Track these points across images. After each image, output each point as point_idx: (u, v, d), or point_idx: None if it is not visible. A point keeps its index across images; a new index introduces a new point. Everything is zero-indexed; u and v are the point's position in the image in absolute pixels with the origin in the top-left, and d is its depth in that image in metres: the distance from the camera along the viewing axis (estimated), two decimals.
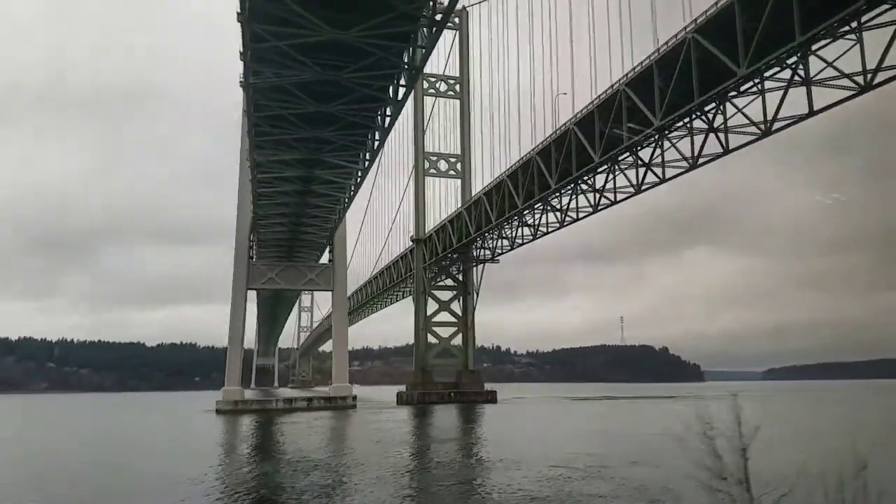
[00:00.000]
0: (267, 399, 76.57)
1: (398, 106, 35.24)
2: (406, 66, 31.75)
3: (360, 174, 46.60)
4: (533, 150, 54.16)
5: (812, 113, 32.11)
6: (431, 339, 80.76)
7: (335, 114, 35.79)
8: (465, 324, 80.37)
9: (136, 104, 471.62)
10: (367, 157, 43.09)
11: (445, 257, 77.99)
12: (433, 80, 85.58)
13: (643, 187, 44.11)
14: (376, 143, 40.51)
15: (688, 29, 35.14)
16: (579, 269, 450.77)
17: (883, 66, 28.26)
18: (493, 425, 47.04)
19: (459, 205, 76.64)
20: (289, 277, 70.95)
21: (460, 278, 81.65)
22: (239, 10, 26.97)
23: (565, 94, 53.31)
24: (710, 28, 33.49)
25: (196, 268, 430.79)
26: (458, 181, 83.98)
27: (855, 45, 28.87)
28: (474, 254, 77.81)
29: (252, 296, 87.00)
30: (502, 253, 73.24)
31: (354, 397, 68.88)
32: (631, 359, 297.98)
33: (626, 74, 41.07)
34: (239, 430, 46.50)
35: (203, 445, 35.91)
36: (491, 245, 73.88)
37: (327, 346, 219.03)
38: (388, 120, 36.95)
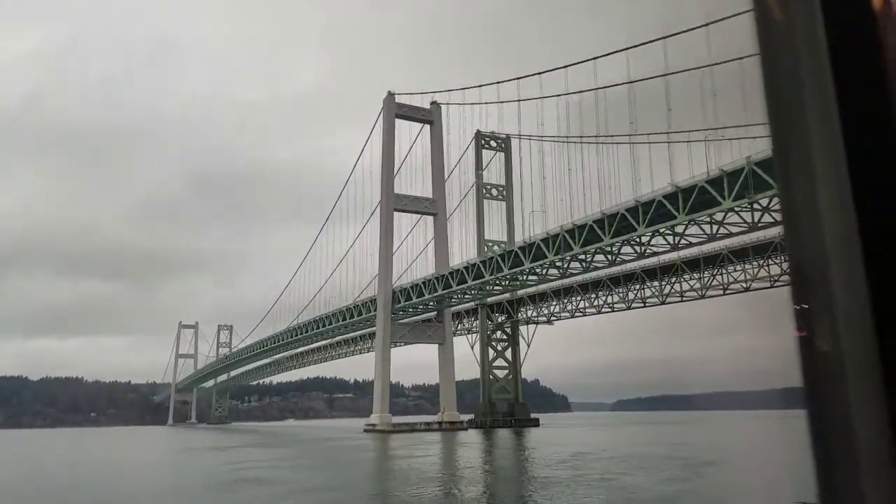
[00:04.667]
0: (406, 423, 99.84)
1: None
2: None
3: None
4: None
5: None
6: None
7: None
8: (515, 367, 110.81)
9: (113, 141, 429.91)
10: None
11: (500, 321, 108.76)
12: (489, 186, 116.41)
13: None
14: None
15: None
16: None
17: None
18: (559, 436, 75.14)
19: None
20: (415, 334, 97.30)
21: (509, 332, 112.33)
22: None
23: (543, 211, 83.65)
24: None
25: (81, 298, 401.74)
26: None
27: None
28: (519, 316, 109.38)
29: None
30: (542, 320, 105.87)
31: (464, 422, 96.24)
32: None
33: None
34: (445, 449, 71.97)
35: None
36: (536, 313, 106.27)
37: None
38: None
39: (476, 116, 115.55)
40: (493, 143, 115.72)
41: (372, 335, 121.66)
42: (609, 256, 69.65)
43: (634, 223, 59.24)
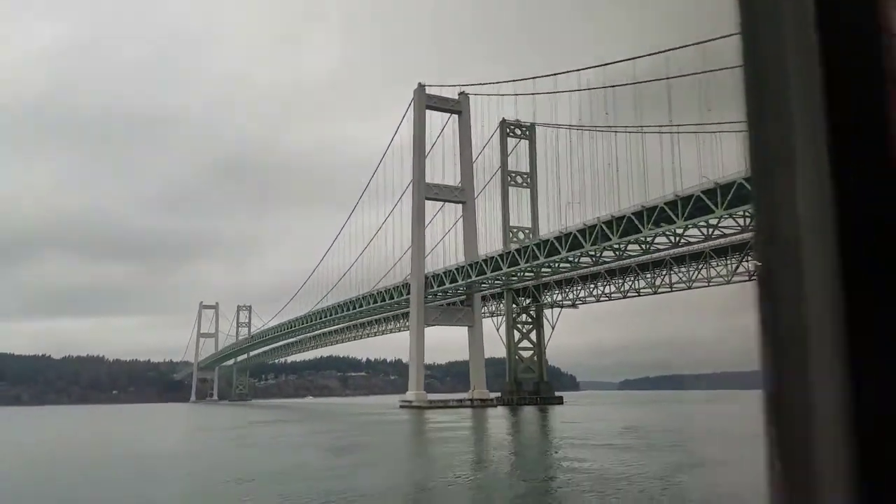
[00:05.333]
0: (440, 400, 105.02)
1: None
2: None
3: None
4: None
5: None
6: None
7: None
8: (540, 348, 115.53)
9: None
10: None
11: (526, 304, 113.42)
12: (514, 174, 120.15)
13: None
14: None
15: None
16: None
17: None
18: (590, 412, 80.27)
19: None
20: (446, 317, 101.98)
21: (534, 315, 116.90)
22: None
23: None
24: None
25: (97, 280, 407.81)
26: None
27: None
28: (545, 300, 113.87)
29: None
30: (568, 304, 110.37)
31: (493, 399, 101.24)
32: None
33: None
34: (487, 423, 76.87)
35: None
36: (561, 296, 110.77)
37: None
38: None
39: (501, 106, 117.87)
40: (517, 132, 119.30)
41: (398, 317, 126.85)
42: (643, 246, 73.89)
43: (673, 216, 63.46)
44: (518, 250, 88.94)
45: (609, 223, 71.21)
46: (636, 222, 67.95)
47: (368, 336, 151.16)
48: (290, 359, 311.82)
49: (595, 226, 72.92)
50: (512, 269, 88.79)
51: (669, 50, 66.80)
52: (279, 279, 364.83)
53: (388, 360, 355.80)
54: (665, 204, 64.50)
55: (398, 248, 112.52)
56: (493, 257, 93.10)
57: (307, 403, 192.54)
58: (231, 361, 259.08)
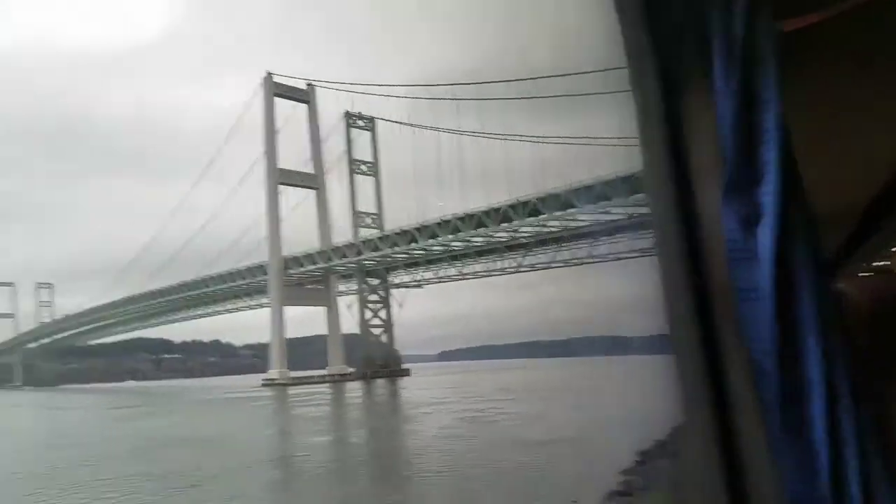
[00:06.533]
0: (302, 377, 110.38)
1: None
2: None
3: None
4: None
5: None
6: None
7: None
8: (389, 325, 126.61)
9: None
10: None
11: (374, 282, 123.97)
12: (358, 162, 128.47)
13: None
14: None
15: None
16: None
17: None
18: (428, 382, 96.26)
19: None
20: (303, 297, 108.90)
21: (383, 294, 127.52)
22: None
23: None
24: None
25: None
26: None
27: None
28: (391, 281, 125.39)
29: None
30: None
31: (351, 373, 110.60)
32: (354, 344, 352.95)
33: None
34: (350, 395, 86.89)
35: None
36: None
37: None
38: None
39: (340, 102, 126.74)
40: (360, 123, 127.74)
41: (238, 296, 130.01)
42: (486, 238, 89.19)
43: (514, 215, 78.63)
44: (380, 238, 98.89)
45: (463, 219, 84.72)
46: (483, 219, 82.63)
47: (202, 317, 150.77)
48: (96, 341, 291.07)
49: (429, 226, 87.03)
50: (377, 253, 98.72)
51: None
52: (95, 250, 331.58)
53: (206, 342, 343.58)
54: (509, 206, 79.52)
55: (235, 229, 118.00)
56: (354, 244, 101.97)
57: (138, 387, 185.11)
58: (34, 344, 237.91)
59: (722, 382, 1.19)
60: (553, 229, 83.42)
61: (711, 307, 1.21)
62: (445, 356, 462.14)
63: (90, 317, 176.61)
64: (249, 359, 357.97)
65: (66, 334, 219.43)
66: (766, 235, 1.12)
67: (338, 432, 42.11)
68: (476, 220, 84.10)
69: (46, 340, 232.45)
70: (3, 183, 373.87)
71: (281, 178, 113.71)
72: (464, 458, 25.52)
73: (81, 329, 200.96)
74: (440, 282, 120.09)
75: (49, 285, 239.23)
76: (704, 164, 1.23)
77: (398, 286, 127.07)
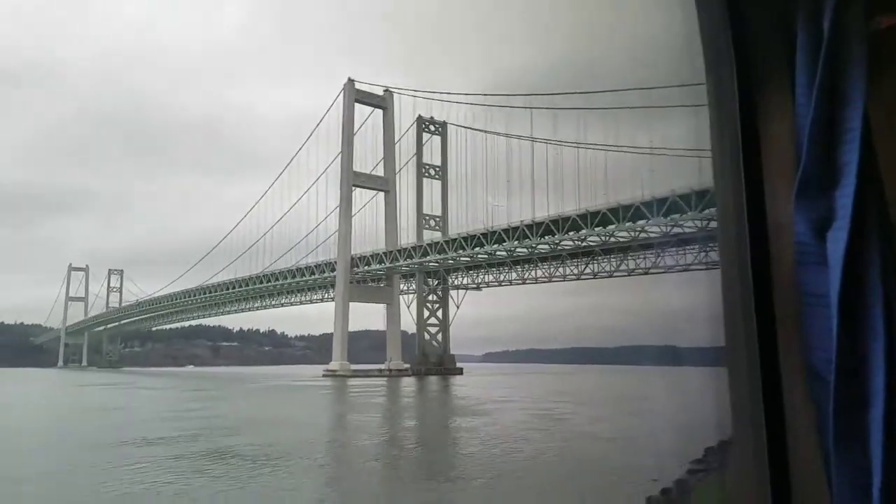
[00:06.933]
0: (361, 370, 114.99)
1: None
2: None
3: None
4: None
5: None
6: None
7: None
8: (445, 325, 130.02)
9: None
10: None
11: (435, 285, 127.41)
12: (427, 166, 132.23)
13: None
14: None
15: None
16: None
17: None
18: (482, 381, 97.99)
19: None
20: (367, 294, 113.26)
21: (441, 294, 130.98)
22: None
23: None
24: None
25: None
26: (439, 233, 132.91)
27: None
28: (451, 282, 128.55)
29: None
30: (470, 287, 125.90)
31: (407, 369, 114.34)
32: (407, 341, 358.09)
33: None
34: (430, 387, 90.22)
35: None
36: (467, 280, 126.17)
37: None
38: None
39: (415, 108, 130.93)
40: (431, 128, 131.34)
41: (303, 291, 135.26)
42: (552, 245, 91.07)
43: (582, 224, 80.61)
44: (447, 241, 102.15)
45: (530, 226, 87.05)
46: (551, 227, 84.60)
47: (267, 308, 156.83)
48: (158, 327, 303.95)
49: (518, 227, 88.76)
50: (440, 256, 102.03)
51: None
52: (160, 241, 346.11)
53: (262, 331, 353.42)
54: (578, 216, 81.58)
55: (304, 227, 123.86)
56: (422, 246, 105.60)
57: (197, 372, 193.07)
58: (102, 328, 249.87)
59: (775, 395, 1.18)
60: (621, 239, 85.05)
61: (772, 318, 1.20)
62: (490, 357, 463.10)
63: (158, 304, 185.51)
64: (301, 350, 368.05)
65: (131, 319, 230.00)
66: (838, 240, 1.09)
67: (425, 420, 45.50)
68: (544, 228, 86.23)
69: (113, 324, 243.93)
70: (80, 176, 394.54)
71: (355, 180, 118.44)
72: (550, 447, 28.80)
73: (146, 315, 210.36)
74: (500, 285, 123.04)
75: (120, 271, 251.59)
76: (778, 166, 1.21)
77: (457, 287, 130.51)
